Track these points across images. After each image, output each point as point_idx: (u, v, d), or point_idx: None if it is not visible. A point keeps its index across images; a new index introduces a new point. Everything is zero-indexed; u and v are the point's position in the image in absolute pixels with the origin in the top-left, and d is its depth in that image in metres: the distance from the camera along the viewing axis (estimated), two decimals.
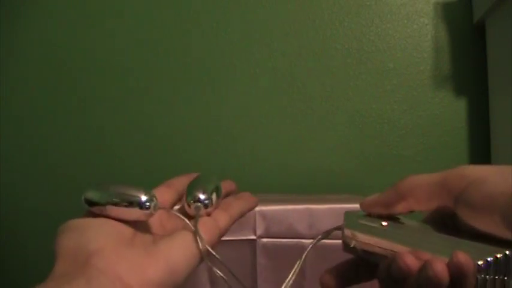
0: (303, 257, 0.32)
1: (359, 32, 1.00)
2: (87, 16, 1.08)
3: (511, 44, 0.78)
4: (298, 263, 0.31)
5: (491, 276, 0.24)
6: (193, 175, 0.37)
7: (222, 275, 0.29)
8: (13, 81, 1.10)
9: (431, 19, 0.98)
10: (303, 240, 0.67)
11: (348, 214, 0.32)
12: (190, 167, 1.04)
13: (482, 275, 0.23)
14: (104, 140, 1.07)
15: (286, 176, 1.01)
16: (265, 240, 0.68)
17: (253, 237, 0.68)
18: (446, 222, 0.29)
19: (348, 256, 0.32)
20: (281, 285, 0.30)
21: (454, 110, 0.97)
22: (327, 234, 0.33)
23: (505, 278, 0.24)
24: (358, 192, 0.96)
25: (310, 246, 0.32)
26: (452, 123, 0.97)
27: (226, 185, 0.37)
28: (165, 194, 0.34)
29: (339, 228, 0.32)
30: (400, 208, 0.29)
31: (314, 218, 0.67)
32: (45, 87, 1.09)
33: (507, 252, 0.24)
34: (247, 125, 1.03)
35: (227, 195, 0.37)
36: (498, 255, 0.24)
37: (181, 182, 0.35)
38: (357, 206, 0.67)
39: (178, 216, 0.30)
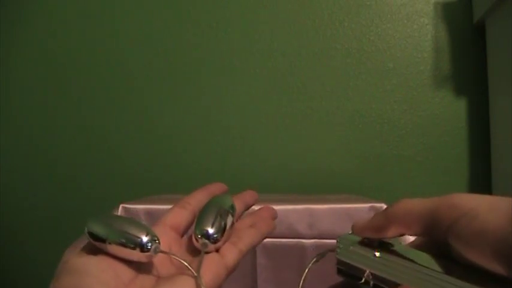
0: (301, 282, 0.31)
1: (359, 32, 1.00)
2: (87, 16, 1.08)
3: (511, 44, 0.78)
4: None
5: None
6: (214, 188, 0.35)
7: None
8: (13, 81, 1.10)
9: (431, 19, 0.98)
10: (303, 240, 0.67)
11: (341, 239, 0.32)
12: (190, 167, 1.04)
13: None
14: (104, 140, 1.07)
15: (286, 176, 1.01)
16: (265, 240, 0.68)
17: None
18: (440, 248, 0.28)
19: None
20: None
21: (454, 110, 0.97)
22: (321, 256, 0.33)
23: None
24: (358, 192, 0.96)
25: (307, 269, 0.32)
26: (452, 123, 0.97)
27: (247, 198, 0.36)
28: (179, 216, 0.33)
29: (333, 250, 0.31)
30: (390, 233, 0.29)
31: (314, 218, 0.67)
32: (45, 87, 1.09)
33: None
34: (247, 125, 1.03)
35: (247, 209, 0.35)
36: None
37: (198, 200, 0.34)
38: (356, 206, 0.67)
39: (180, 261, 0.29)
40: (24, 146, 1.10)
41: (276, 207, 0.69)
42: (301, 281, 0.31)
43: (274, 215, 0.37)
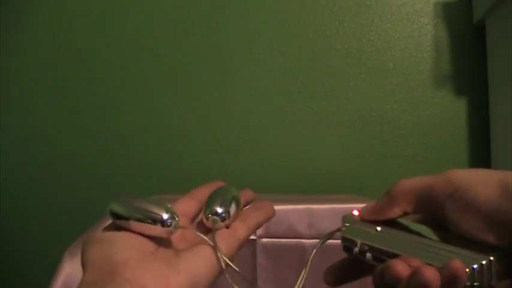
0: (308, 263, 0.33)
1: (359, 32, 1.00)
2: (87, 16, 1.08)
3: (511, 44, 0.78)
4: (303, 271, 0.32)
5: (477, 283, 0.25)
6: (217, 184, 0.38)
7: None
8: (13, 81, 1.10)
9: (431, 19, 0.98)
10: (303, 240, 0.67)
11: (345, 217, 0.34)
12: (190, 167, 1.04)
13: (469, 283, 0.25)
14: (104, 140, 1.07)
15: (286, 176, 1.01)
16: (265, 240, 0.68)
17: (253, 237, 0.68)
18: (439, 222, 0.30)
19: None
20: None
21: (454, 110, 0.97)
22: (328, 237, 0.34)
23: (491, 283, 0.25)
24: (358, 192, 0.96)
25: (315, 250, 0.33)
26: (452, 123, 0.97)
27: (246, 195, 0.39)
28: (188, 205, 0.36)
29: (339, 230, 0.33)
30: (394, 213, 0.31)
31: (314, 218, 0.67)
32: (44, 87, 1.09)
33: (491, 258, 0.25)
34: (247, 125, 1.03)
35: (247, 204, 0.38)
36: (483, 262, 0.25)
37: (204, 193, 0.36)
38: (356, 206, 0.67)
39: (196, 233, 0.31)
40: (24, 146, 1.09)
41: (276, 207, 0.69)
42: (309, 262, 0.33)
43: (273, 207, 0.39)
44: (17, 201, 1.10)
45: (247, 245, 0.68)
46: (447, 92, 0.98)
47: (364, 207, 0.33)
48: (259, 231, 0.68)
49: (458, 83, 0.97)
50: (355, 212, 0.34)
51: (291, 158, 1.01)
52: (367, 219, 0.33)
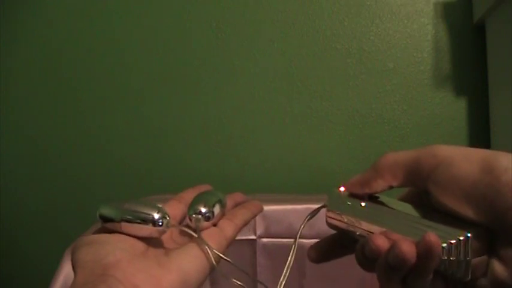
0: (297, 238, 0.34)
1: (359, 32, 1.00)
2: (87, 16, 1.08)
3: (511, 44, 0.78)
4: (293, 248, 0.34)
5: (454, 258, 0.25)
6: (204, 187, 0.39)
7: (240, 283, 0.31)
8: (13, 81, 1.10)
9: (431, 19, 0.98)
10: (303, 240, 0.67)
11: (331, 193, 0.35)
12: (190, 167, 1.04)
13: (446, 257, 0.25)
14: (104, 140, 1.07)
15: (286, 176, 1.01)
16: (265, 240, 0.68)
17: (253, 237, 0.68)
18: (422, 198, 0.30)
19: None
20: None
21: (454, 110, 0.97)
22: (315, 212, 0.36)
23: (467, 259, 0.25)
24: None
25: (302, 225, 0.35)
26: (452, 123, 0.97)
27: (236, 197, 0.40)
28: (175, 208, 0.36)
29: (324, 206, 0.34)
30: (379, 186, 0.31)
31: (314, 218, 0.67)
32: (44, 87, 1.09)
33: (469, 234, 0.26)
34: (247, 125, 1.03)
35: (236, 205, 0.39)
36: (461, 238, 0.26)
37: (191, 195, 0.37)
38: None
39: (186, 230, 0.32)
40: (24, 146, 1.09)
41: (276, 207, 0.69)
42: (297, 236, 0.34)
43: (260, 204, 0.40)
44: (17, 201, 1.10)
45: (247, 245, 0.68)
46: (447, 92, 0.98)
47: (349, 180, 0.34)
48: (259, 231, 0.68)
49: (458, 83, 0.97)
50: (342, 188, 0.34)
51: (291, 158, 1.01)
52: (352, 192, 0.33)
